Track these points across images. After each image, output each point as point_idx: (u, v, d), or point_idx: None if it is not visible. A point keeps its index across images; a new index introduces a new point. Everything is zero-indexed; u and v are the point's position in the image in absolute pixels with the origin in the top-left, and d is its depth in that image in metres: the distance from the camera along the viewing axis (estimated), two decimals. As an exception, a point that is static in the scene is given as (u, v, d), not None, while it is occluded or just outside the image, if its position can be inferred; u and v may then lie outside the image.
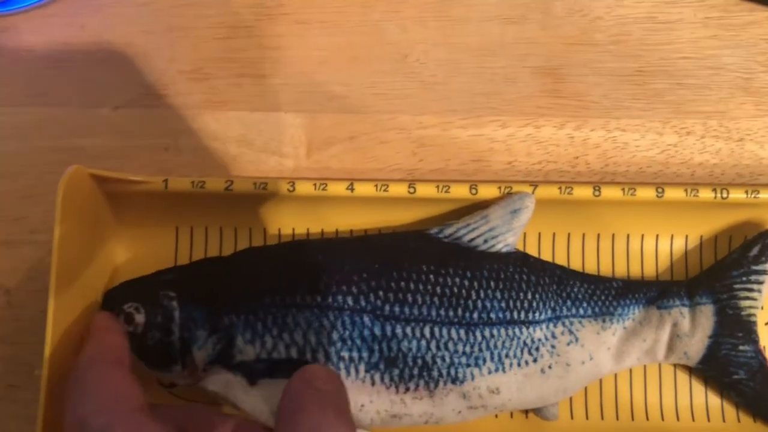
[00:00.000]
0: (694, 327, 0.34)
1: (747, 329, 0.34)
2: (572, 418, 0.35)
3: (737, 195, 0.34)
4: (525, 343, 0.33)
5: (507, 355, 0.32)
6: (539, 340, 0.33)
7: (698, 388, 0.36)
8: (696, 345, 0.34)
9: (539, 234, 0.36)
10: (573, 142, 0.38)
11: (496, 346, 0.32)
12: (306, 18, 0.39)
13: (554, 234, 0.36)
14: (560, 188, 0.34)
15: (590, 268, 0.36)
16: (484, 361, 0.32)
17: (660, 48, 0.39)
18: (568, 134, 0.39)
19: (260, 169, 0.38)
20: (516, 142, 0.39)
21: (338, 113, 0.39)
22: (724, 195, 0.34)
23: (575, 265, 0.36)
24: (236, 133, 0.39)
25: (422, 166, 0.39)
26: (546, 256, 0.36)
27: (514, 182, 0.35)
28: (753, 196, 0.34)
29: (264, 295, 0.32)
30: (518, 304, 0.33)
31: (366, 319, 0.32)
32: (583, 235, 0.36)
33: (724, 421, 0.35)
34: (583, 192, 0.34)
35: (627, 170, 0.38)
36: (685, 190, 0.34)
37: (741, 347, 0.34)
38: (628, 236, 0.36)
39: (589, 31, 0.39)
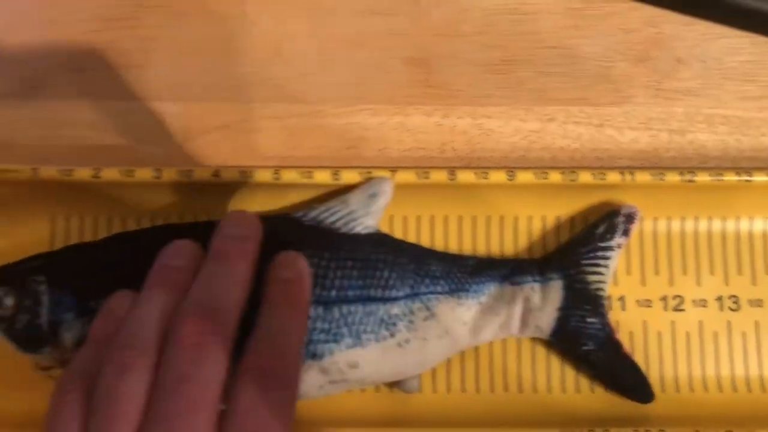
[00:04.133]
0: (544, 301, 0.38)
1: (594, 302, 0.38)
2: (434, 391, 0.39)
3: (585, 177, 0.39)
4: (382, 319, 0.37)
5: (365, 331, 0.36)
6: (396, 315, 0.37)
7: (555, 360, 0.40)
8: (547, 318, 0.38)
9: (404, 217, 0.40)
10: (441, 130, 0.43)
11: (353, 323, 0.36)
12: (183, 9, 0.43)
13: (418, 217, 0.40)
14: (417, 173, 0.38)
15: (452, 249, 0.40)
16: (342, 337, 0.36)
17: (524, 38, 0.43)
18: (436, 122, 0.43)
19: (136, 157, 0.42)
20: (387, 130, 0.43)
21: (212, 102, 0.42)
22: (573, 177, 0.38)
23: (438, 246, 0.40)
24: (112, 124, 0.42)
25: (295, 153, 0.42)
26: (411, 239, 0.40)
27: (376, 167, 0.39)
28: (600, 178, 0.39)
29: (132, 279, 0.36)
30: (375, 281, 0.37)
31: (225, 299, 0.35)
32: (446, 217, 0.40)
33: (578, 392, 0.40)
34: (439, 176, 0.38)
35: (492, 155, 0.42)
36: (535, 173, 0.38)
37: (589, 319, 0.38)
38: (488, 218, 0.41)
39: (457, 22, 0.43)
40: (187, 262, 0.33)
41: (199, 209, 0.39)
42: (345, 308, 0.36)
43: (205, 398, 0.29)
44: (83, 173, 0.37)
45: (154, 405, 0.29)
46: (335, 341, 0.36)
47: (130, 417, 0.29)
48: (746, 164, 0.43)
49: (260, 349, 0.31)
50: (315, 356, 0.36)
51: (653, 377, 0.40)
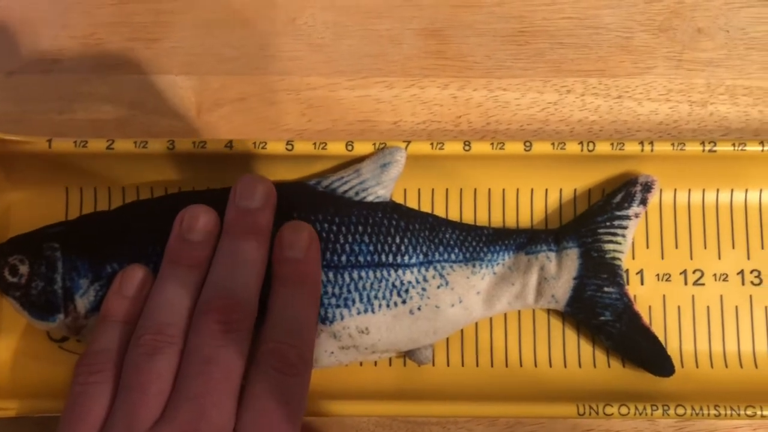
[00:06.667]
0: (560, 270, 0.39)
1: (611, 272, 0.39)
2: (448, 365, 0.41)
3: (603, 147, 0.39)
4: (394, 285, 0.38)
5: (376, 297, 0.38)
6: (409, 282, 0.38)
7: (571, 336, 0.41)
8: (562, 287, 0.39)
9: (418, 189, 0.42)
10: (456, 102, 0.44)
11: (364, 288, 0.37)
12: (197, -16, 0.45)
13: (433, 189, 0.42)
14: (432, 144, 0.39)
15: (467, 222, 0.41)
16: (353, 302, 0.37)
17: (542, 8, 0.45)
18: (451, 94, 0.44)
19: (152, 131, 0.44)
20: (401, 102, 0.44)
21: (228, 75, 0.44)
22: (590, 148, 0.39)
23: (453, 218, 0.41)
24: (128, 97, 0.44)
25: (310, 127, 0.44)
26: (425, 210, 0.41)
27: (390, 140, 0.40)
28: (618, 148, 0.39)
29: (146, 244, 0.37)
30: (386, 247, 0.38)
31: (238, 263, 0.37)
32: (461, 190, 0.42)
33: (594, 367, 0.41)
34: (454, 147, 0.39)
35: (508, 128, 0.44)
36: (552, 144, 0.39)
37: (606, 289, 0.39)
38: (503, 191, 0.42)
39: (473, -6, 0.45)
40: (205, 236, 0.36)
41: (212, 181, 0.41)
42: (356, 273, 0.38)
43: (228, 378, 0.32)
44: (97, 144, 0.39)
45: (181, 384, 0.32)
46: (346, 306, 0.37)
47: (159, 394, 0.32)
48: (770, 136, 0.43)
49: (276, 336, 0.33)
50: (326, 320, 0.37)
51: (672, 352, 0.40)
